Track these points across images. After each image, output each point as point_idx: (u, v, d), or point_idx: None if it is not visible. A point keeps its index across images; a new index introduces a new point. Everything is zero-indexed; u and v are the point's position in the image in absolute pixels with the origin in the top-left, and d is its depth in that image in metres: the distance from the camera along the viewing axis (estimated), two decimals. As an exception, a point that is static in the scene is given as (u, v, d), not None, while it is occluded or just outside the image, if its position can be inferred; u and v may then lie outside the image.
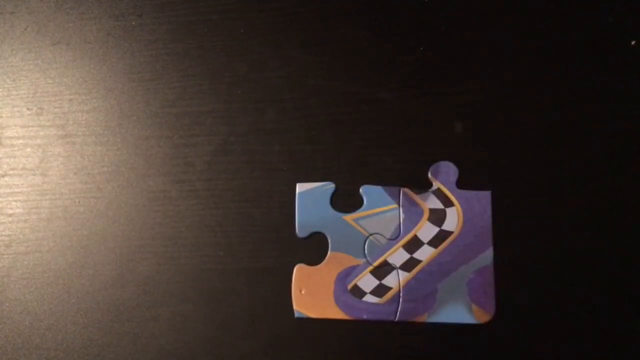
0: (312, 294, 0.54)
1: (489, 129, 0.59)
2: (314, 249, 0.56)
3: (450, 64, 0.61)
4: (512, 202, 0.56)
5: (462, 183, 0.57)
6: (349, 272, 0.54)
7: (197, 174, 0.59)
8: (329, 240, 0.55)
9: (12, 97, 0.62)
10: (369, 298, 0.54)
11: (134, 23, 0.64)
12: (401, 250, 0.55)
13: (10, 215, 0.59)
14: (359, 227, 0.55)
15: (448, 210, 0.56)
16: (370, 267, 0.55)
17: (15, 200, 0.60)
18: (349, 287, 0.54)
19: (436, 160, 0.58)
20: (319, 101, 0.61)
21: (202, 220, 0.58)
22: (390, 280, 0.54)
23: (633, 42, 0.60)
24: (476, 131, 0.59)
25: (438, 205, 0.56)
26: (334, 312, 0.54)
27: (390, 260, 0.55)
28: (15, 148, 0.61)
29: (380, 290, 0.54)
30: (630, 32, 0.60)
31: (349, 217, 0.56)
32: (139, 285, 0.57)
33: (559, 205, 0.56)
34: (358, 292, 0.54)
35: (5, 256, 0.58)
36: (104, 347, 0.55)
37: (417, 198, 0.56)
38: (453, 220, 0.56)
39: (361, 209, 0.56)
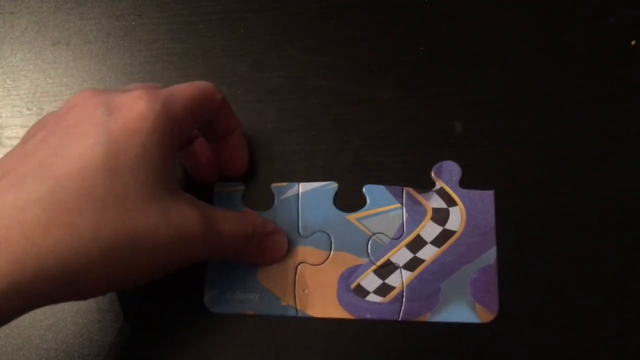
0: (315, 294, 0.54)
1: (491, 128, 0.59)
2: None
3: (450, 64, 0.62)
4: (516, 201, 0.57)
5: (465, 182, 0.57)
6: (352, 272, 0.54)
7: (198, 173, 0.59)
8: (332, 240, 0.55)
9: (12, 97, 0.62)
10: (373, 297, 0.54)
11: (134, 23, 0.64)
12: (404, 249, 0.55)
13: (10, 215, 0.59)
14: (362, 227, 0.55)
15: (451, 209, 0.56)
16: (374, 267, 0.54)
17: (15, 200, 0.59)
18: (352, 286, 0.54)
19: (438, 160, 0.58)
20: (319, 101, 0.61)
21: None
22: (394, 279, 0.54)
23: (633, 42, 0.61)
24: (478, 131, 0.59)
25: (441, 204, 0.56)
26: (338, 312, 0.54)
27: (393, 260, 0.55)
28: (15, 148, 0.61)
29: (383, 290, 0.54)
30: (630, 32, 0.61)
31: (352, 217, 0.56)
32: (139, 285, 0.57)
33: (563, 205, 0.57)
34: (361, 292, 0.54)
35: (5, 256, 0.58)
36: (104, 347, 0.55)
37: (420, 197, 0.56)
38: (456, 220, 0.56)
39: (364, 208, 0.56)
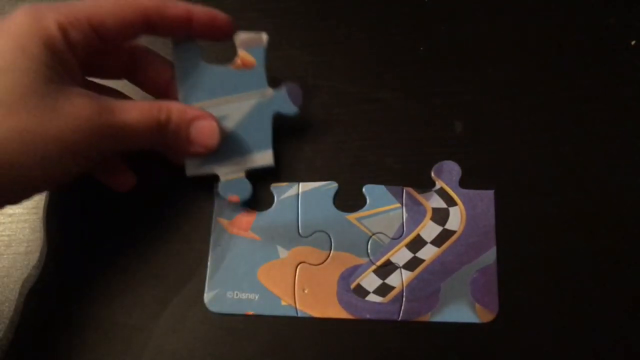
0: (315, 294, 0.54)
1: (491, 128, 0.59)
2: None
3: (450, 64, 0.62)
4: (516, 201, 0.57)
5: (465, 182, 0.57)
6: (352, 272, 0.54)
7: (198, 174, 0.59)
8: (332, 240, 0.55)
9: (11, 96, 0.62)
10: (372, 297, 0.54)
11: (133, 23, 0.64)
12: (404, 249, 0.55)
13: (10, 215, 0.59)
14: (362, 227, 0.55)
15: (451, 209, 0.56)
16: (374, 267, 0.55)
17: (15, 200, 0.59)
18: (352, 286, 0.54)
19: (437, 160, 0.58)
20: (319, 101, 0.61)
21: (201, 220, 0.58)
22: (394, 279, 0.54)
23: (633, 42, 0.61)
24: (478, 131, 0.59)
25: (441, 204, 0.56)
26: (337, 312, 0.54)
27: (393, 260, 0.55)
28: (15, 148, 0.61)
29: (383, 290, 0.54)
30: (630, 32, 0.61)
31: (352, 217, 0.56)
32: (137, 285, 0.56)
33: (563, 205, 0.57)
34: (361, 292, 0.54)
35: (5, 256, 0.57)
36: (104, 347, 0.55)
37: (420, 197, 0.56)
38: (456, 220, 0.56)
39: (364, 208, 0.56)
